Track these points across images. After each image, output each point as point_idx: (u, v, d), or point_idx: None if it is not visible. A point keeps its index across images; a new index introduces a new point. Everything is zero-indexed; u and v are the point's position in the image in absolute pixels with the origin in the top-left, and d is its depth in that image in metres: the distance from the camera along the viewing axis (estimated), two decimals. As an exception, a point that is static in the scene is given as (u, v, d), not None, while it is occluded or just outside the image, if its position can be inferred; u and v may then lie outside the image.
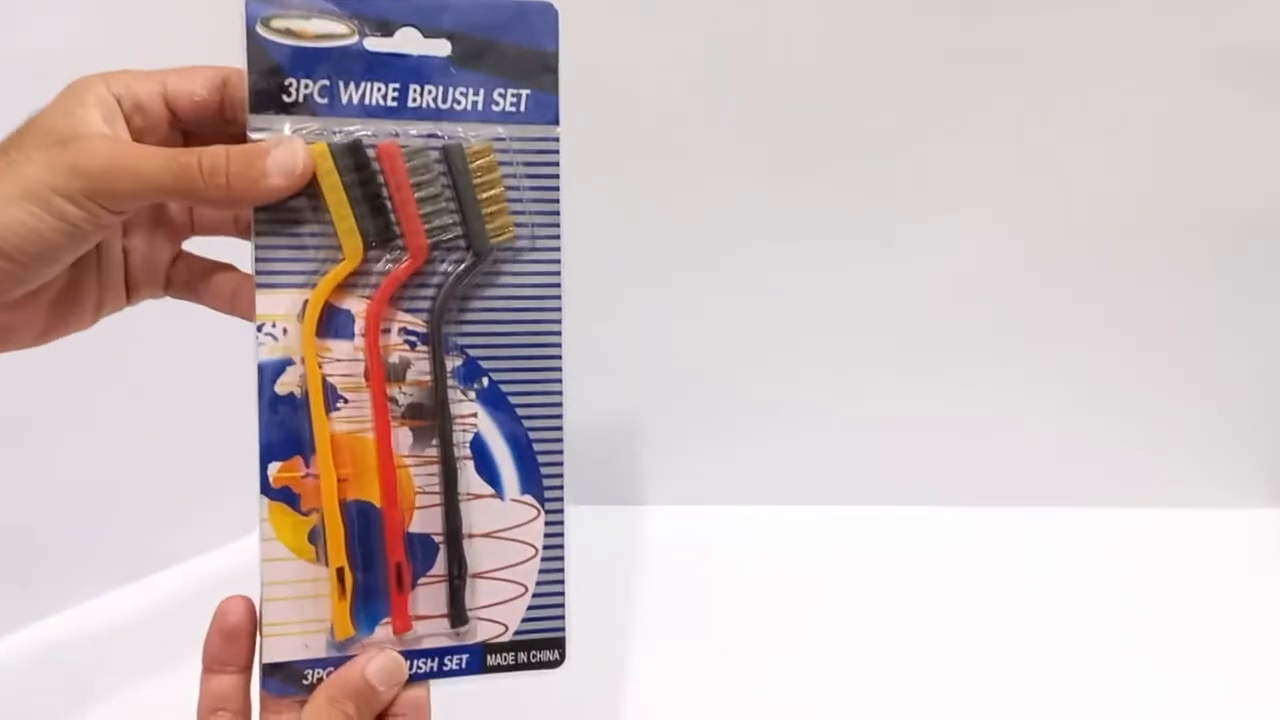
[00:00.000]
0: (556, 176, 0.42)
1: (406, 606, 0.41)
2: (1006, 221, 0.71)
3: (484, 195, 0.40)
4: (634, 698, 0.63)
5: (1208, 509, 0.78)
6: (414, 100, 0.40)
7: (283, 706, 0.40)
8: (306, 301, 0.39)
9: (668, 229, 0.72)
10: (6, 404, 0.62)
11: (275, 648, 0.40)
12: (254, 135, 0.39)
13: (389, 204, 0.40)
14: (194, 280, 0.44)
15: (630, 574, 0.74)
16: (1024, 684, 0.62)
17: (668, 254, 0.73)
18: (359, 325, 0.40)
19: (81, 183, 0.36)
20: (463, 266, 0.41)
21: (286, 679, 0.40)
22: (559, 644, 0.43)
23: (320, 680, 0.40)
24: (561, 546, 0.43)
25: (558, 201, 0.42)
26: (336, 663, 0.40)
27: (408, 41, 0.40)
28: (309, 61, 0.39)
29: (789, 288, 0.74)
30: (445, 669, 0.42)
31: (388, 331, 0.41)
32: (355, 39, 0.39)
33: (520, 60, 0.40)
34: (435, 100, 0.40)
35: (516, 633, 0.42)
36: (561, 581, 0.43)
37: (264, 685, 0.40)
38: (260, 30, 0.38)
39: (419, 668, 0.41)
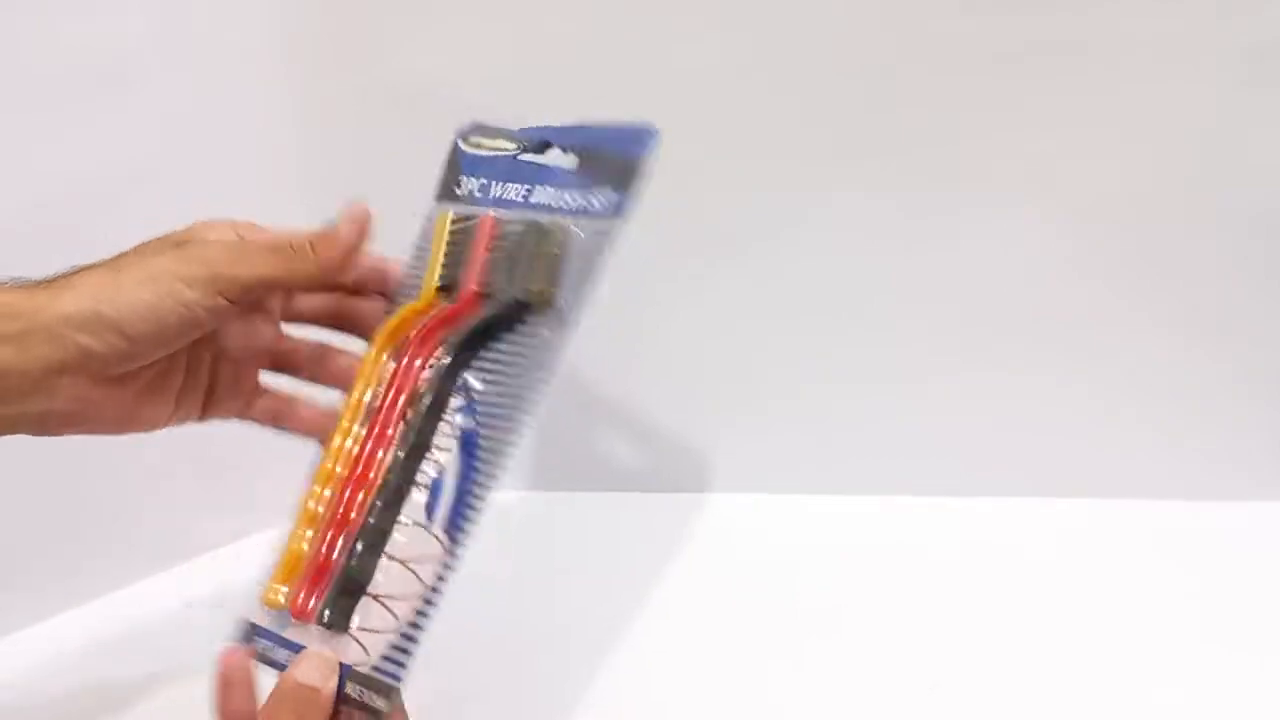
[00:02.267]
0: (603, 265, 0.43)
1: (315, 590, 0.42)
2: (1049, 213, 0.67)
3: (539, 264, 0.44)
4: (665, 687, 0.58)
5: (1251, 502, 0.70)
6: (536, 199, 0.47)
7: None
8: None
9: (710, 214, 0.70)
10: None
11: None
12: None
13: (465, 261, 0.46)
14: (280, 406, 0.49)
15: (671, 563, 0.69)
16: (1070, 678, 0.57)
17: (711, 239, 0.71)
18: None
19: (203, 270, 0.41)
20: (492, 311, 0.44)
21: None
22: (394, 694, 0.38)
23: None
24: (440, 594, 0.39)
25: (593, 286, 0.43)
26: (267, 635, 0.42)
27: (554, 157, 0.48)
28: (477, 166, 0.49)
29: (836, 277, 0.71)
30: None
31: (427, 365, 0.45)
32: (514, 151, 0.48)
33: (618, 168, 0.45)
34: (550, 200, 0.47)
35: (373, 667, 0.39)
36: (422, 629, 0.39)
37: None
38: (460, 143, 0.50)
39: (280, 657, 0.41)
